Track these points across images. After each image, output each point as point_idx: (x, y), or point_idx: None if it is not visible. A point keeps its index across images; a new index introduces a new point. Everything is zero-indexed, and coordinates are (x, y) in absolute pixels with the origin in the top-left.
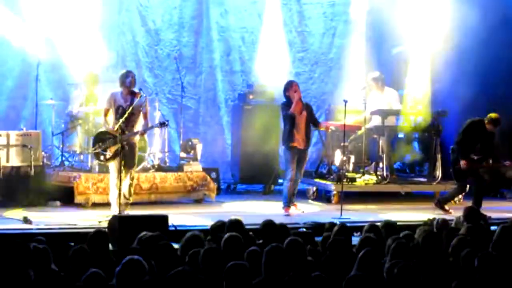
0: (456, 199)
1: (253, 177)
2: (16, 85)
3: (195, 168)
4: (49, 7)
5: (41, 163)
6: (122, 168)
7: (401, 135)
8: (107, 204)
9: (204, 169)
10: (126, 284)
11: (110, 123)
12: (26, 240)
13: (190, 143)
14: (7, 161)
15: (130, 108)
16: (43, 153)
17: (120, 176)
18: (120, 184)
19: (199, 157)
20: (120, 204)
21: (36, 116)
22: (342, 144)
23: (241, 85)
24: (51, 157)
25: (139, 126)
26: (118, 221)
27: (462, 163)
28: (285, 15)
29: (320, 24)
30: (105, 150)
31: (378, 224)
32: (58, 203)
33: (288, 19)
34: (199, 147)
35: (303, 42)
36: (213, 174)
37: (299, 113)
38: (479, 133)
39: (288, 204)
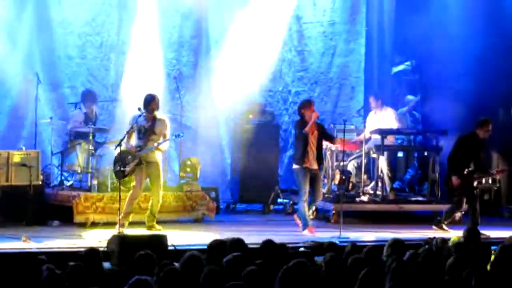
0: (457, 217)
1: (253, 197)
2: (16, 104)
3: (194, 188)
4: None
5: (40, 183)
6: (151, 187)
7: (400, 154)
8: (106, 224)
9: (203, 189)
10: None
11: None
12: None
13: (189, 162)
14: (7, 181)
15: (154, 131)
16: (42, 172)
17: (136, 194)
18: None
19: (198, 176)
20: (124, 217)
21: (36, 135)
22: (341, 163)
23: (240, 105)
24: (50, 177)
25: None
26: (118, 241)
27: (454, 179)
28: (285, 34)
29: (320, 43)
30: (124, 166)
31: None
32: (57, 222)
33: (287, 38)
34: (199, 167)
35: (303, 61)
36: (213, 194)
37: (311, 133)
38: (472, 147)
39: (307, 224)
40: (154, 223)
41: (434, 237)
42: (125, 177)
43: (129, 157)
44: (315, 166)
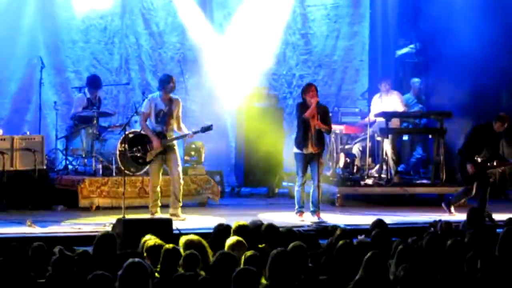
0: (461, 201)
1: (257, 180)
2: (20, 88)
3: (199, 171)
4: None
5: (45, 167)
6: (169, 170)
7: (405, 137)
8: (111, 208)
9: (208, 172)
10: (129, 287)
11: (150, 126)
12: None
13: (193, 146)
14: (11, 165)
15: (171, 113)
16: (47, 157)
17: (157, 182)
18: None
19: (203, 160)
20: (154, 206)
21: (40, 119)
22: (345, 146)
23: (245, 88)
24: (55, 161)
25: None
26: (123, 225)
27: (469, 167)
28: (289, 17)
29: (324, 26)
30: (145, 153)
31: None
32: (62, 207)
33: (291, 21)
34: (203, 150)
35: (307, 44)
36: (217, 177)
37: (312, 117)
38: (487, 136)
39: (300, 209)
40: (179, 211)
41: (439, 220)
42: (145, 165)
43: (150, 143)
44: (315, 150)
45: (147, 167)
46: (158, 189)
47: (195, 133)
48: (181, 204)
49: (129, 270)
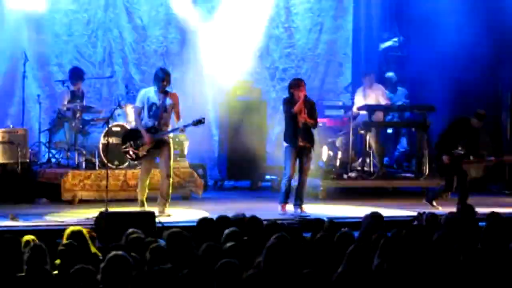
0: (444, 194)
1: (241, 173)
2: (3, 82)
3: (182, 165)
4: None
5: (28, 160)
6: (160, 165)
7: (389, 131)
8: (94, 201)
9: (191, 166)
10: (112, 279)
11: (142, 121)
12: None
13: (177, 139)
14: None
15: (165, 107)
16: (30, 150)
17: (147, 177)
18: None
19: (186, 153)
20: (142, 201)
21: (23, 113)
22: (328, 140)
23: (228, 81)
24: (38, 154)
25: (171, 124)
26: (105, 218)
27: (445, 158)
28: (272, 11)
29: (307, 19)
30: (137, 148)
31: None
32: (45, 200)
33: (275, 14)
34: (186, 144)
35: (290, 37)
36: (200, 171)
37: (300, 112)
38: (464, 130)
39: (284, 201)
40: (165, 208)
41: (424, 212)
42: (138, 160)
43: (143, 138)
44: (305, 144)
45: (133, 161)
46: (146, 183)
47: (186, 126)
48: (168, 202)
49: (112, 262)
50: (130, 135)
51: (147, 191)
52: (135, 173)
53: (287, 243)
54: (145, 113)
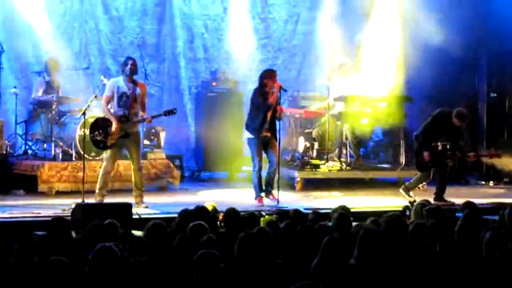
0: (420, 185)
1: (217, 165)
2: None
3: (158, 156)
4: None
5: (4, 152)
6: (130, 158)
7: (365, 122)
8: (71, 193)
9: (167, 157)
10: (99, 271)
11: (112, 110)
12: None
13: (153, 130)
14: None
15: (135, 97)
16: (6, 141)
17: (112, 167)
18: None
19: (162, 144)
20: (99, 194)
21: (0, 104)
22: (305, 131)
23: (204, 73)
24: (14, 146)
25: (139, 114)
26: (82, 209)
27: (426, 154)
28: (248, 1)
29: (283, 11)
30: (105, 137)
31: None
32: (21, 191)
33: (251, 5)
34: (163, 135)
35: (266, 28)
36: (177, 162)
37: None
38: (445, 125)
39: (259, 194)
40: (142, 198)
41: (414, 200)
42: (106, 149)
43: (112, 127)
44: (269, 134)
45: (101, 149)
46: (108, 176)
47: (154, 117)
48: (143, 192)
49: (99, 255)
50: (98, 124)
51: (106, 192)
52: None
53: (261, 234)
54: (114, 102)
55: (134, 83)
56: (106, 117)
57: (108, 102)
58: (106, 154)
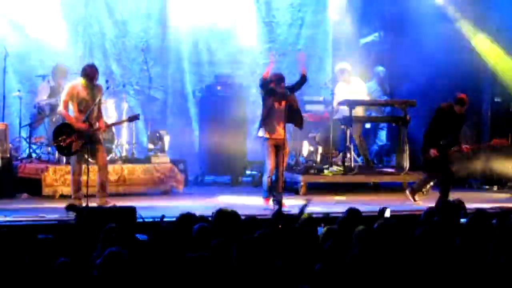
0: (424, 189)
1: (221, 169)
2: None
3: (162, 160)
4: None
5: (8, 155)
6: (96, 160)
7: (368, 126)
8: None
9: (171, 161)
10: (108, 276)
11: (72, 115)
12: None
13: (157, 134)
14: None
15: (95, 101)
16: (10, 145)
17: (81, 170)
18: (83, 176)
19: (166, 148)
20: (76, 198)
21: (4, 108)
22: (309, 135)
23: (208, 77)
24: (18, 149)
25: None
26: (86, 213)
27: (432, 151)
28: (253, 5)
29: (288, 14)
30: (69, 144)
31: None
32: (25, 195)
33: (255, 9)
34: (167, 139)
35: (271, 32)
36: (181, 166)
37: (279, 104)
38: (449, 117)
39: (268, 195)
40: (105, 200)
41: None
42: (71, 155)
43: (75, 133)
44: (282, 136)
45: (66, 156)
46: (79, 177)
47: (118, 123)
48: (107, 191)
49: (108, 259)
50: (62, 130)
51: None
52: (116, 168)
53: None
54: (74, 108)
55: (94, 86)
56: (68, 122)
57: (66, 107)
58: (73, 157)
